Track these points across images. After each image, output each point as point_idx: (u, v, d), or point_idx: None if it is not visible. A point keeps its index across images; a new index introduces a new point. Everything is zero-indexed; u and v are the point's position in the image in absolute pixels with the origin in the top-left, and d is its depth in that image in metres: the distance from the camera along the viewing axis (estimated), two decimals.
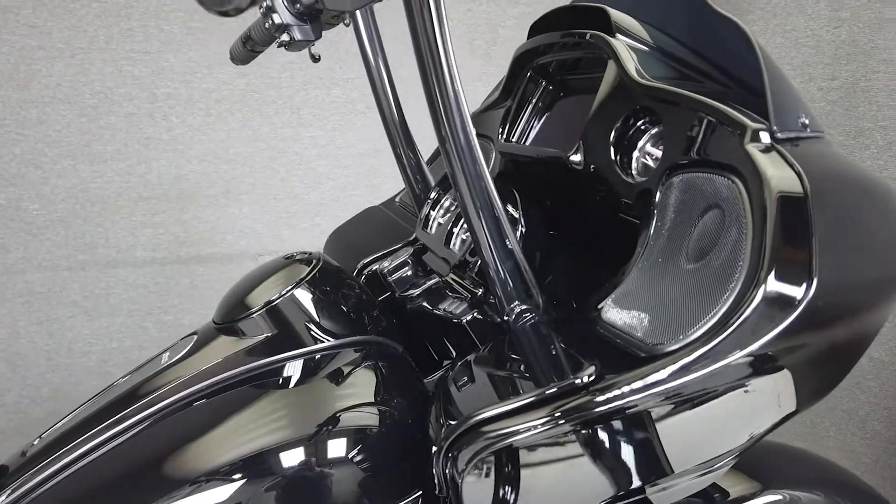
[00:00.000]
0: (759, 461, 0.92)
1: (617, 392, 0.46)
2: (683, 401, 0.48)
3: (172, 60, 1.83)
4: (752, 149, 0.50)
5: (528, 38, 0.88)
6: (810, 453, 0.94)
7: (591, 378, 0.47)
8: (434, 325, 0.71)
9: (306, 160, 1.99)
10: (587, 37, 0.69)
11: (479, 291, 0.65)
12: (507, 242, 0.57)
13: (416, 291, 0.70)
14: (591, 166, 0.65)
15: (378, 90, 0.84)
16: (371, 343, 0.66)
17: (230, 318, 0.65)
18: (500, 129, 0.81)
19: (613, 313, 0.53)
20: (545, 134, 0.78)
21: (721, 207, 0.51)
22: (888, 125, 1.58)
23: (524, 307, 0.59)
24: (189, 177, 1.91)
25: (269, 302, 0.65)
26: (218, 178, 1.94)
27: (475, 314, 0.66)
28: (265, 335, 0.63)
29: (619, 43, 0.65)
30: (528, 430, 0.46)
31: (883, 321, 0.57)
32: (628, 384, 0.46)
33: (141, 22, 1.79)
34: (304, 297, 0.66)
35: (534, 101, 0.80)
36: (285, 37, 0.82)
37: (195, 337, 0.67)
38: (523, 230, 0.66)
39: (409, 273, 0.73)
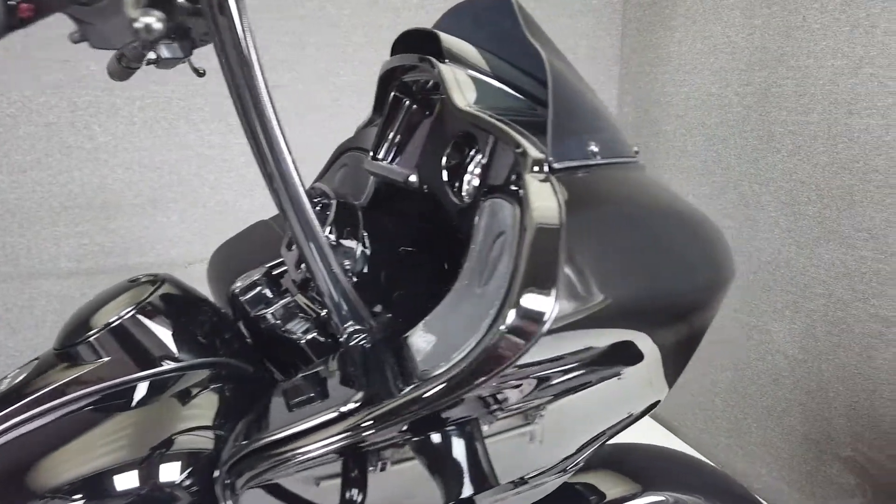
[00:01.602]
0: (640, 464, 0.94)
1: (364, 423, 0.48)
2: (435, 429, 0.50)
3: (94, 68, 1.80)
4: (530, 178, 0.52)
5: (390, 56, 0.89)
6: (691, 457, 0.97)
7: (352, 408, 0.49)
8: (287, 345, 0.72)
9: (235, 168, 1.98)
10: (419, 60, 0.70)
11: (323, 312, 0.66)
12: (332, 265, 0.58)
13: (269, 311, 0.70)
14: (425, 187, 0.67)
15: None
16: (219, 365, 0.67)
17: (68, 343, 0.65)
18: (373, 147, 0.82)
19: (418, 337, 0.55)
20: (409, 153, 0.79)
21: (505, 234, 0.52)
22: (796, 130, 1.63)
23: (357, 328, 0.60)
24: (113, 186, 1.88)
25: (107, 325, 0.64)
26: (144, 186, 1.92)
27: (316, 335, 0.67)
28: (103, 360, 0.63)
29: (446, 69, 0.66)
30: (294, 457, 0.48)
31: (678, 337, 0.61)
32: (373, 414, 0.48)
33: (59, 31, 1.76)
34: (145, 319, 0.65)
35: (399, 118, 0.81)
36: (152, 55, 0.82)
37: (36, 361, 0.67)
38: (366, 250, 0.66)
39: (265, 293, 0.73)
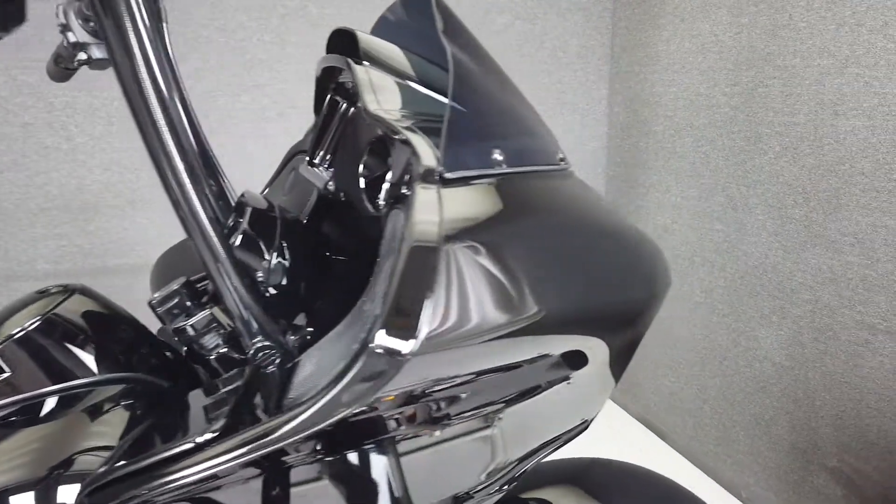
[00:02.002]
0: (600, 480, 0.91)
1: (218, 455, 0.45)
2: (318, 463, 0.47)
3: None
4: (418, 188, 0.49)
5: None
6: (653, 473, 0.94)
7: (208, 438, 0.45)
8: (202, 361, 0.69)
9: None
10: (338, 61, 0.67)
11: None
12: (231, 280, 0.55)
13: (186, 324, 0.67)
14: (342, 195, 0.63)
15: (174, 119, 0.80)
16: (132, 380, 0.64)
17: None
18: (310, 152, 0.79)
19: (308, 358, 0.52)
20: (342, 151, 0.76)
21: (393, 248, 0.49)
22: (783, 131, 1.59)
23: (265, 344, 0.57)
24: (92, 187, 1.86)
25: (9, 337, 0.62)
26: (123, 187, 1.90)
27: (227, 350, 0.64)
28: (5, 374, 0.61)
29: (361, 70, 0.63)
30: (148, 488, 0.45)
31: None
32: (224, 446, 0.45)
33: (36, 31, 1.75)
34: (48, 332, 0.63)
35: (335, 121, 0.77)
36: (83, 55, 0.79)
37: None
38: (285, 262, 0.63)
39: (184, 304, 0.70)
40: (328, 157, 0.76)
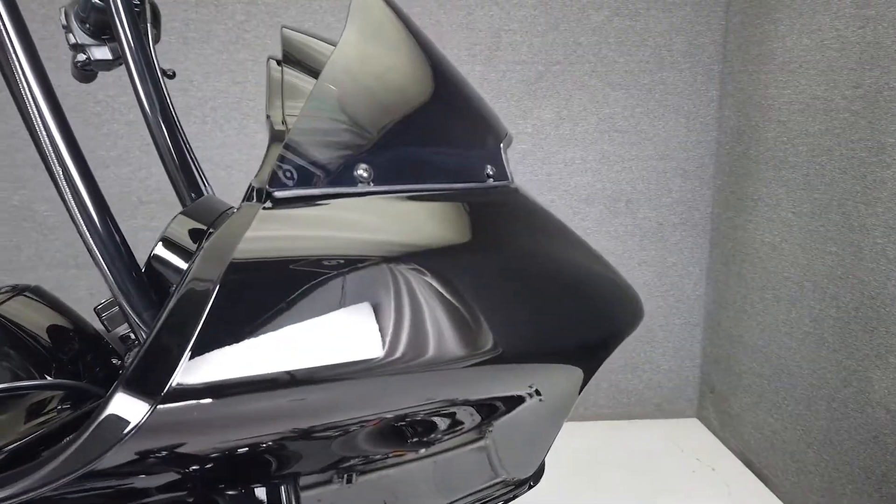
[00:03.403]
0: None
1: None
2: None
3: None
4: (242, 207, 0.42)
5: None
6: None
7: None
8: None
9: None
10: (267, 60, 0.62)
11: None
12: (125, 297, 0.51)
13: (127, 332, 0.65)
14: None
15: (149, 118, 0.79)
16: (66, 387, 0.63)
17: None
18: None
19: None
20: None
21: None
22: None
23: None
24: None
25: None
26: (215, 183, 1.96)
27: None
28: None
29: (275, 70, 0.57)
30: None
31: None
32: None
33: None
34: None
35: None
36: (82, 56, 0.81)
37: None
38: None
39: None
40: None
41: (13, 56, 0.46)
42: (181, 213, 0.65)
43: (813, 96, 1.64)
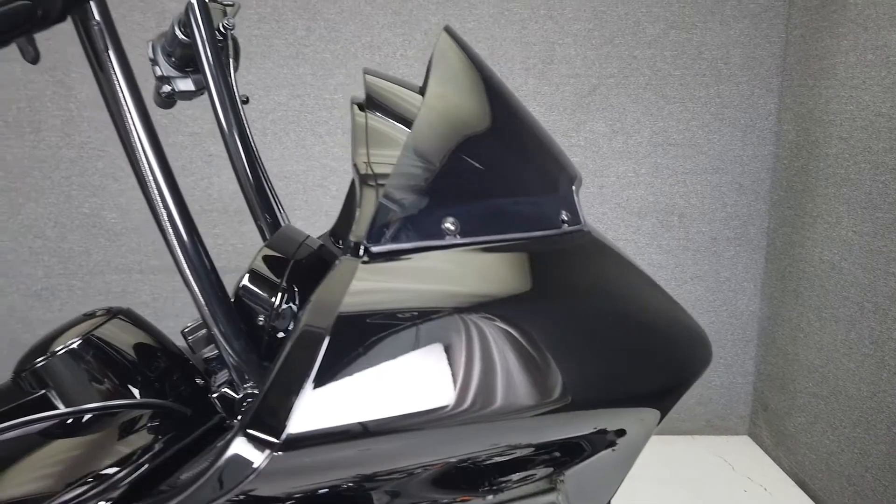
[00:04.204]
0: None
1: None
2: None
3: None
4: (342, 261, 0.44)
5: None
6: None
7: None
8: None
9: None
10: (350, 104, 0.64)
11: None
12: (219, 327, 0.55)
13: (211, 354, 0.68)
14: (340, 243, 0.61)
15: (231, 148, 0.83)
16: (157, 406, 0.67)
17: (19, 369, 0.68)
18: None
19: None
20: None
21: None
22: None
23: (254, 391, 0.56)
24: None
25: (51, 354, 0.67)
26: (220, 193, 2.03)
27: (227, 389, 0.64)
28: (42, 390, 0.66)
29: (360, 117, 0.59)
30: None
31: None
32: None
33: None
34: (85, 354, 0.67)
35: None
36: (167, 87, 0.85)
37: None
38: (293, 306, 0.62)
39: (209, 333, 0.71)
40: None
41: (125, 105, 0.50)
42: (265, 245, 0.68)
43: (877, 113, 1.60)
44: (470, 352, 0.45)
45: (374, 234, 0.47)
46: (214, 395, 0.61)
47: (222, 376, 0.64)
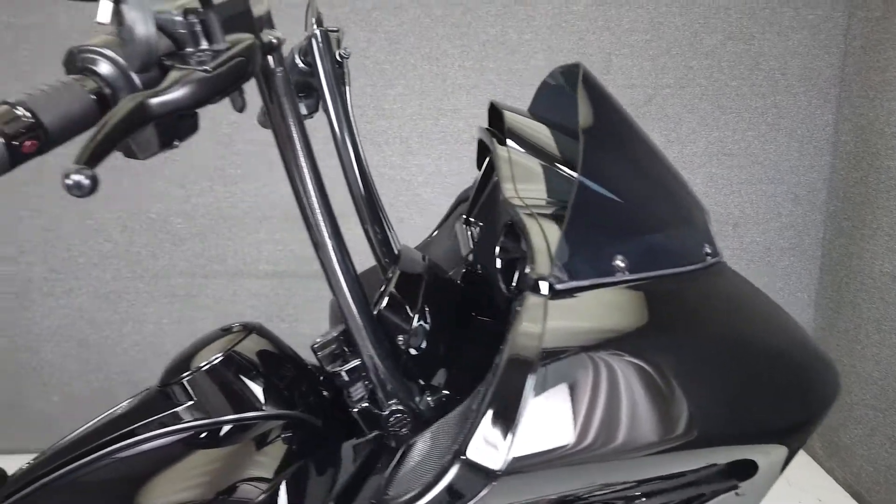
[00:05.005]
0: None
1: None
2: None
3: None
4: (527, 298, 0.47)
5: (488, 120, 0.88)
6: None
7: None
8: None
9: (413, 187, 2.07)
10: (486, 136, 0.67)
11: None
12: (370, 348, 0.59)
13: (340, 369, 0.72)
14: (479, 267, 0.64)
15: (346, 164, 0.88)
16: (292, 417, 0.71)
17: (166, 381, 0.73)
18: (468, 209, 0.81)
19: (419, 445, 0.53)
20: (484, 227, 0.77)
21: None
22: None
23: (398, 408, 0.60)
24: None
25: (197, 369, 0.71)
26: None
27: (368, 405, 0.67)
28: (188, 402, 0.70)
29: (502, 151, 0.63)
30: None
31: None
32: None
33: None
34: (228, 368, 0.71)
35: (490, 184, 0.79)
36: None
37: (145, 392, 0.76)
38: (425, 325, 0.66)
39: (340, 351, 0.74)
40: (481, 216, 0.78)
41: (297, 145, 0.54)
42: (398, 267, 0.71)
43: None
44: (656, 384, 0.48)
45: (557, 272, 0.50)
46: (355, 410, 0.65)
47: (357, 391, 0.67)
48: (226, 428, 0.69)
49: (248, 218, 2.09)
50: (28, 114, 0.41)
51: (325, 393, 0.77)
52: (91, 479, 0.67)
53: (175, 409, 0.70)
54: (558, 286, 0.49)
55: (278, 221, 2.09)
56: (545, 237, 0.52)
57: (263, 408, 0.70)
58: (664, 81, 2.00)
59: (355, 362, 0.72)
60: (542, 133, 0.67)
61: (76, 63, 0.46)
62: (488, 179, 0.79)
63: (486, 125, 0.82)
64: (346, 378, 0.71)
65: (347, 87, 0.87)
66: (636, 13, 1.96)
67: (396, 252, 0.84)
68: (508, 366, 0.45)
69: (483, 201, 0.77)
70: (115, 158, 0.46)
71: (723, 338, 0.54)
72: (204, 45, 0.47)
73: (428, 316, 0.66)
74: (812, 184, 2.07)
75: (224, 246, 2.10)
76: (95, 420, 0.76)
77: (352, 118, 0.85)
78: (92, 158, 0.41)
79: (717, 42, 1.98)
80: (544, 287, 0.49)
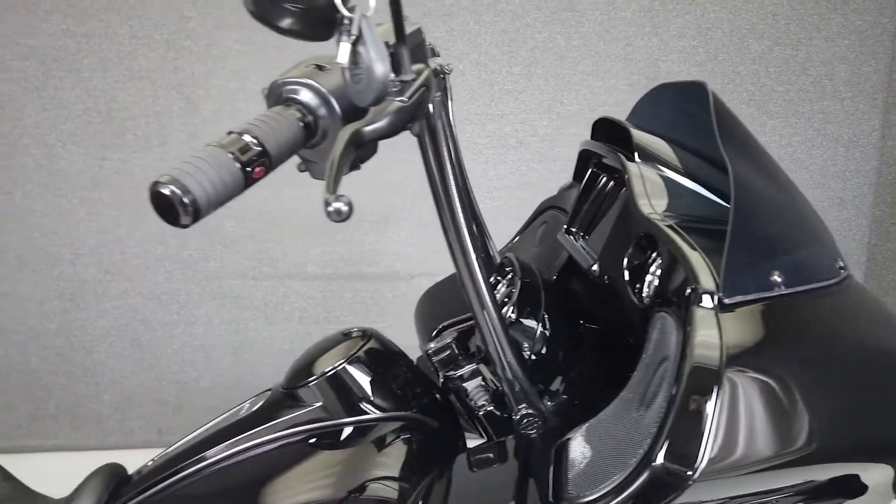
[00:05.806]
0: None
1: None
2: None
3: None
4: (697, 312, 0.50)
5: (591, 135, 0.90)
6: None
7: None
8: (468, 410, 0.76)
9: None
10: (610, 152, 0.70)
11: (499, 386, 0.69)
12: (505, 351, 0.61)
13: (456, 374, 0.74)
14: (606, 278, 0.67)
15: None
16: (410, 419, 0.74)
17: (291, 385, 0.76)
18: (569, 219, 0.84)
19: (576, 445, 0.55)
20: (599, 233, 0.79)
21: (667, 362, 0.51)
22: None
23: (529, 411, 0.63)
24: (355, 203, 2.11)
25: (322, 374, 0.74)
26: (379, 205, 2.12)
27: (493, 409, 0.70)
28: (316, 404, 0.74)
29: (634, 168, 0.65)
30: None
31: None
32: None
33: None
34: (354, 371, 0.74)
35: (594, 194, 0.81)
36: None
37: (268, 394, 0.79)
38: (546, 331, 0.69)
39: (455, 356, 0.77)
40: (585, 227, 0.80)
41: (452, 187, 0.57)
42: (521, 279, 0.74)
43: None
44: (815, 395, 0.51)
45: (725, 287, 0.52)
46: (480, 414, 0.68)
47: (477, 395, 0.70)
48: (348, 430, 0.72)
49: (296, 220, 2.12)
50: (255, 141, 0.44)
51: (438, 397, 0.80)
52: (220, 477, 0.70)
53: (303, 411, 0.73)
54: (727, 300, 0.51)
55: (325, 224, 2.12)
56: (700, 253, 0.55)
57: (384, 410, 0.73)
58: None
59: (470, 367, 0.75)
60: (664, 149, 0.70)
61: (281, 94, 0.49)
62: (590, 191, 0.81)
63: (589, 138, 0.84)
64: (462, 384, 0.74)
65: (450, 102, 0.90)
66: (683, 19, 1.97)
67: (498, 260, 0.87)
68: (693, 375, 0.47)
69: (592, 213, 0.79)
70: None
71: (861, 350, 0.56)
72: (392, 75, 0.50)
73: (548, 323, 0.69)
74: (858, 188, 2.08)
75: (274, 249, 2.13)
76: (216, 421, 0.80)
77: (456, 134, 0.88)
78: (336, 186, 0.44)
79: (765, 48, 1.99)
80: (708, 300, 0.51)
